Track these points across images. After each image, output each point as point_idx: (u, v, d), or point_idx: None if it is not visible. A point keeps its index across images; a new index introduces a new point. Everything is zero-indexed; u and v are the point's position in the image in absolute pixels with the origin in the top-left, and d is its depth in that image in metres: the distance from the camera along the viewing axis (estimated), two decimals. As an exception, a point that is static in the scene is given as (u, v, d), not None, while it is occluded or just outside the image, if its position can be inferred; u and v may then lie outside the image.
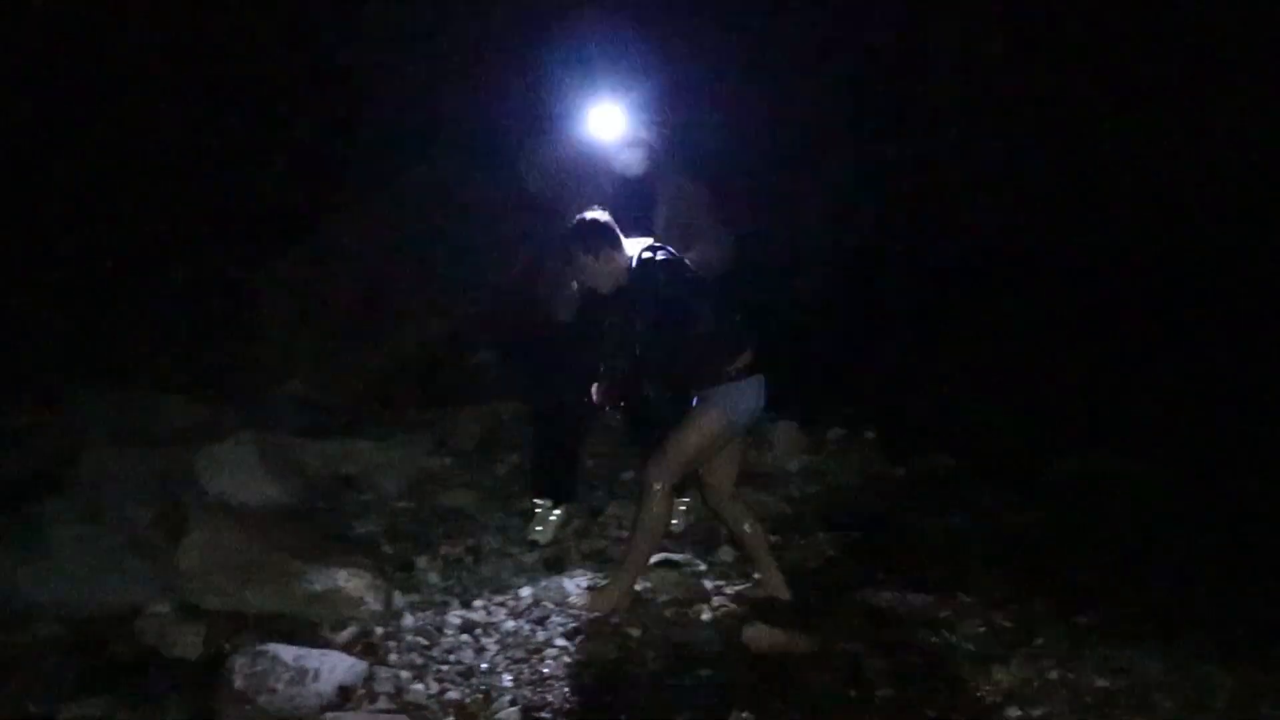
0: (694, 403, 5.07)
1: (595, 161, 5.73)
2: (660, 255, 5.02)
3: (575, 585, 5.43)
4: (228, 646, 4.95)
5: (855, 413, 7.67)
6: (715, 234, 5.73)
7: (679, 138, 5.83)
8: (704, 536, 5.96)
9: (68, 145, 10.06)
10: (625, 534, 5.92)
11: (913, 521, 6.25)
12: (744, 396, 5.04)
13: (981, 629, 5.07)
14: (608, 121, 5.65)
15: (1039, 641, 4.92)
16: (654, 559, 5.47)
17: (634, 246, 5.05)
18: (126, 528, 5.56)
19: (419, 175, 9.93)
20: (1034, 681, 4.58)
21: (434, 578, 5.56)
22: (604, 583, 5.39)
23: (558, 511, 6.02)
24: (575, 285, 5.57)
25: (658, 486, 5.06)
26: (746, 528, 5.32)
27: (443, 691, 4.67)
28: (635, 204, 5.64)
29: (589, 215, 5.05)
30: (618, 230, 5.04)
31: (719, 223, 5.75)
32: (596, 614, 5.16)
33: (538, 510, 6.02)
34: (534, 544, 5.91)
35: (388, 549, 5.79)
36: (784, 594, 5.32)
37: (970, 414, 7.70)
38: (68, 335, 9.25)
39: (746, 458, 5.59)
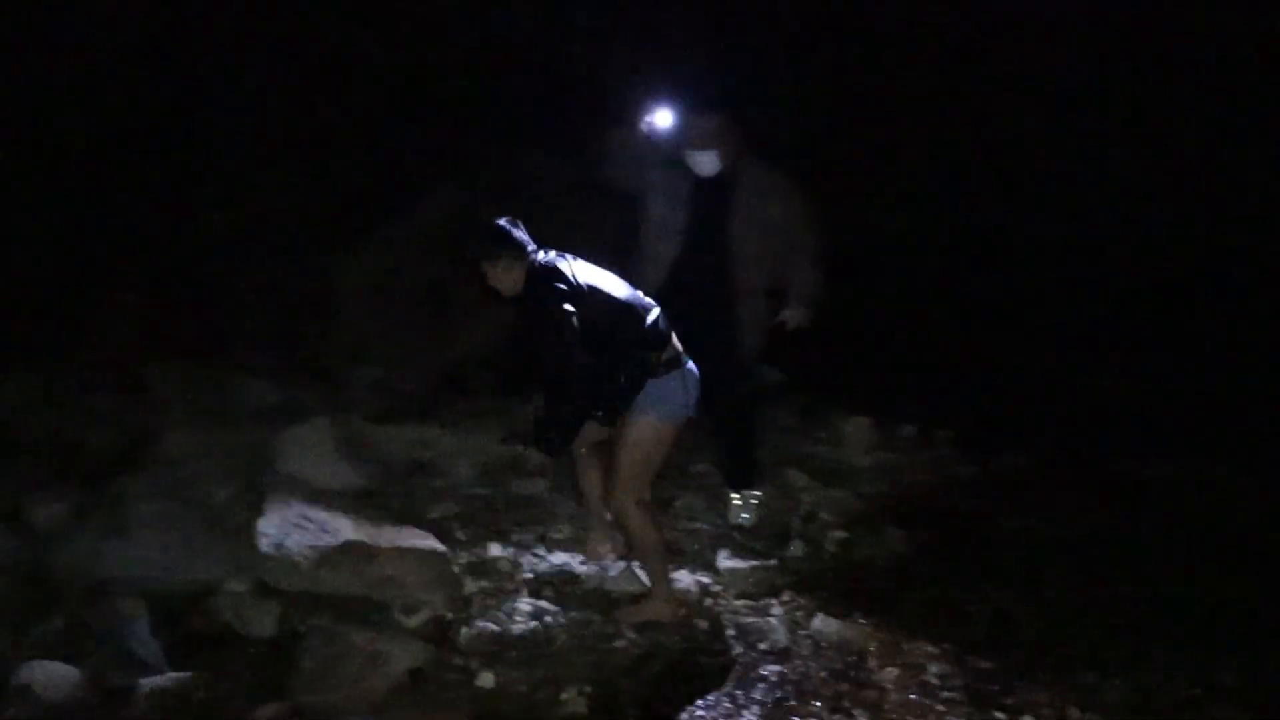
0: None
1: (669, 156, 5.72)
2: (543, 259, 4.89)
3: (645, 575, 5.43)
4: (301, 627, 5.02)
5: (929, 409, 7.60)
6: (806, 241, 5.71)
7: (759, 133, 5.80)
8: (774, 531, 5.94)
9: (152, 130, 10.22)
10: (697, 525, 5.94)
11: (986, 521, 6.19)
12: (672, 391, 4.92)
13: (1050, 631, 5.01)
14: (678, 118, 5.65)
15: (1108, 650, 4.86)
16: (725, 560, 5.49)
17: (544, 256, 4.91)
18: (205, 506, 5.64)
19: (496, 165, 9.98)
20: (1101, 689, 4.53)
21: (505, 565, 5.59)
22: (640, 592, 5.30)
23: (757, 494, 6.06)
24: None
25: (628, 507, 4.99)
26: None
27: (511, 679, 4.70)
28: (712, 200, 5.63)
29: (491, 221, 4.98)
30: (519, 238, 4.93)
31: (809, 229, 5.70)
32: (661, 613, 5.11)
33: (735, 500, 6.04)
34: (738, 528, 5.96)
35: (460, 535, 5.82)
36: (613, 549, 5.46)
37: (1048, 413, 7.60)
38: (151, 317, 9.39)
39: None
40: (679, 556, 5.65)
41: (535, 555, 5.71)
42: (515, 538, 5.87)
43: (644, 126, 5.71)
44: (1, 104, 9.60)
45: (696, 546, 5.76)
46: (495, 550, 5.68)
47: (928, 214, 10.30)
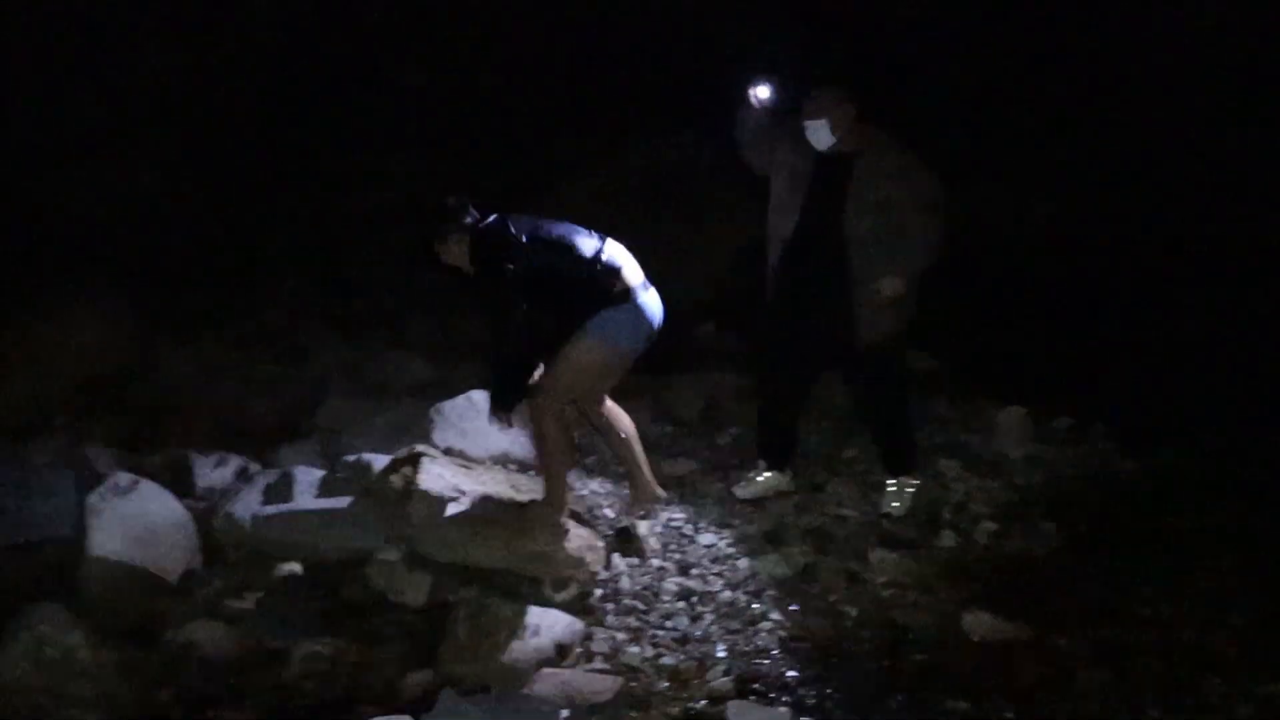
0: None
1: (791, 133, 5.64)
2: (483, 226, 5.11)
3: (793, 561, 5.40)
4: (452, 598, 5.11)
5: (1087, 401, 7.40)
6: (918, 221, 5.50)
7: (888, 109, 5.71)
8: (924, 521, 5.85)
9: (313, 111, 10.46)
10: (846, 512, 5.88)
11: (1144, 518, 6.00)
12: (621, 321, 5.14)
13: (1211, 637, 4.85)
14: (787, 91, 5.61)
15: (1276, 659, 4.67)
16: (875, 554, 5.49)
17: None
18: (361, 476, 5.76)
19: (643, 146, 9.99)
20: (1274, 698, 4.37)
21: (653, 543, 5.61)
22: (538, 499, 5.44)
23: (914, 483, 6.00)
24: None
25: (547, 413, 5.20)
26: (621, 435, 5.53)
27: (658, 656, 4.73)
28: (829, 180, 5.53)
29: (437, 201, 5.21)
30: (461, 212, 5.13)
31: (927, 206, 5.50)
32: (544, 519, 5.27)
33: (890, 487, 5.98)
34: (887, 515, 5.89)
35: (609, 512, 5.85)
36: (658, 495, 5.58)
37: (1213, 407, 7.33)
38: (313, 291, 9.62)
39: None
40: (828, 543, 5.60)
41: (684, 535, 5.72)
42: (664, 516, 5.88)
43: (754, 100, 5.64)
44: (172, 92, 9.92)
45: (845, 534, 5.70)
46: (643, 529, 5.69)
47: (1088, 199, 10.00)
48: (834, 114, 5.46)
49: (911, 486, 5.98)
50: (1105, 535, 5.78)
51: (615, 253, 5.19)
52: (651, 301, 5.24)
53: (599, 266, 5.11)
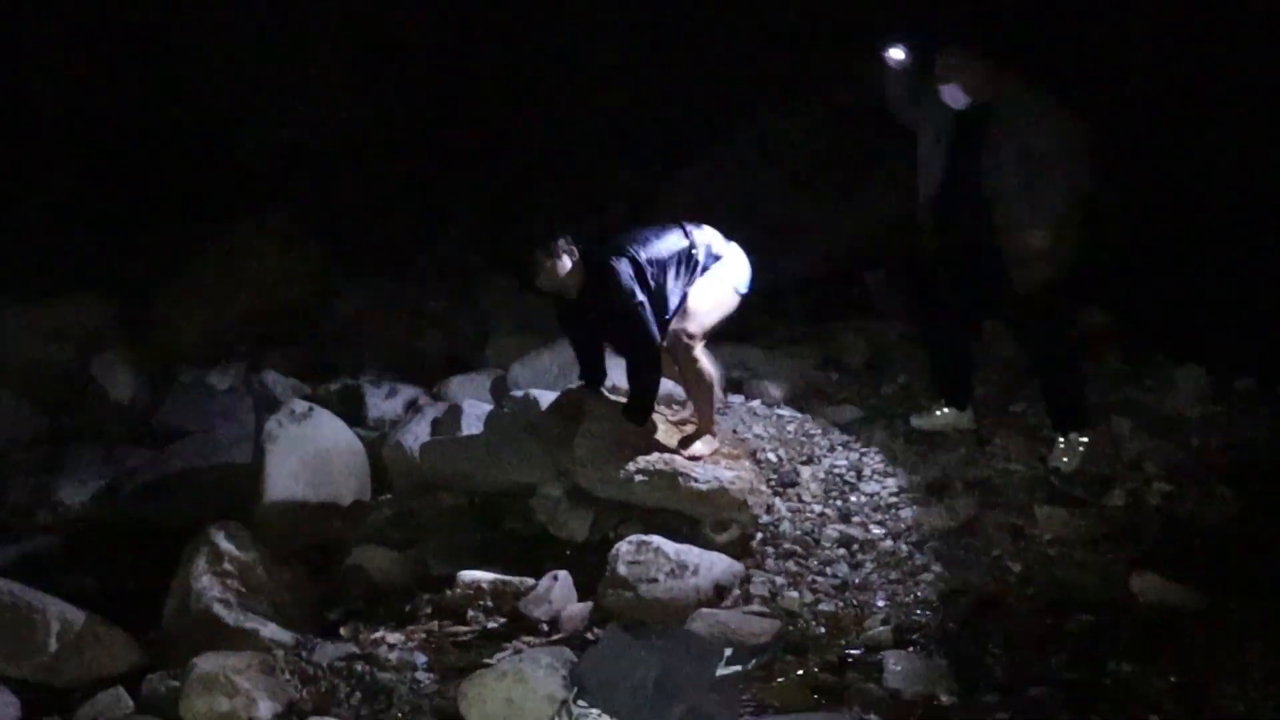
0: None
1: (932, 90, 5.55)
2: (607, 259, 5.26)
3: (956, 512, 5.33)
4: (612, 534, 5.17)
5: (1271, 361, 7.10)
6: (1068, 172, 5.32)
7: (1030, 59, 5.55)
8: (1094, 479, 5.70)
9: (487, 53, 10.55)
10: (1013, 466, 5.77)
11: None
12: (736, 268, 5.59)
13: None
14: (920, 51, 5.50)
15: None
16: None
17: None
18: (528, 412, 5.84)
19: (817, 87, 9.83)
20: None
21: (815, 489, 5.59)
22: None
23: (1084, 439, 5.83)
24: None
25: (698, 345, 5.39)
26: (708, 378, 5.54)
27: (816, 602, 4.72)
28: (968, 134, 5.42)
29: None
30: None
31: (1069, 150, 5.32)
32: (708, 447, 5.44)
33: (1060, 443, 5.83)
34: (1056, 471, 5.74)
35: (772, 456, 5.84)
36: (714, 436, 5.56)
37: None
38: (485, 231, 9.76)
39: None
40: (993, 497, 5.51)
41: (846, 482, 5.68)
42: (827, 463, 5.84)
43: (890, 63, 5.54)
44: (355, 29, 10.10)
45: (1011, 488, 5.59)
46: (806, 475, 5.67)
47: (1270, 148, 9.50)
48: (963, 75, 5.37)
49: (1082, 444, 5.82)
50: (1285, 503, 5.57)
51: (702, 240, 5.53)
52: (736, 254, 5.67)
53: (694, 260, 5.47)
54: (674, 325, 5.38)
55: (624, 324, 5.25)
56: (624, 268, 5.20)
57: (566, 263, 5.22)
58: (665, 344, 5.38)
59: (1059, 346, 5.79)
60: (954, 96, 5.42)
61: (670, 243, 5.41)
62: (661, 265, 5.34)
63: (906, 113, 5.73)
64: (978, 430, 6.10)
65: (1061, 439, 5.79)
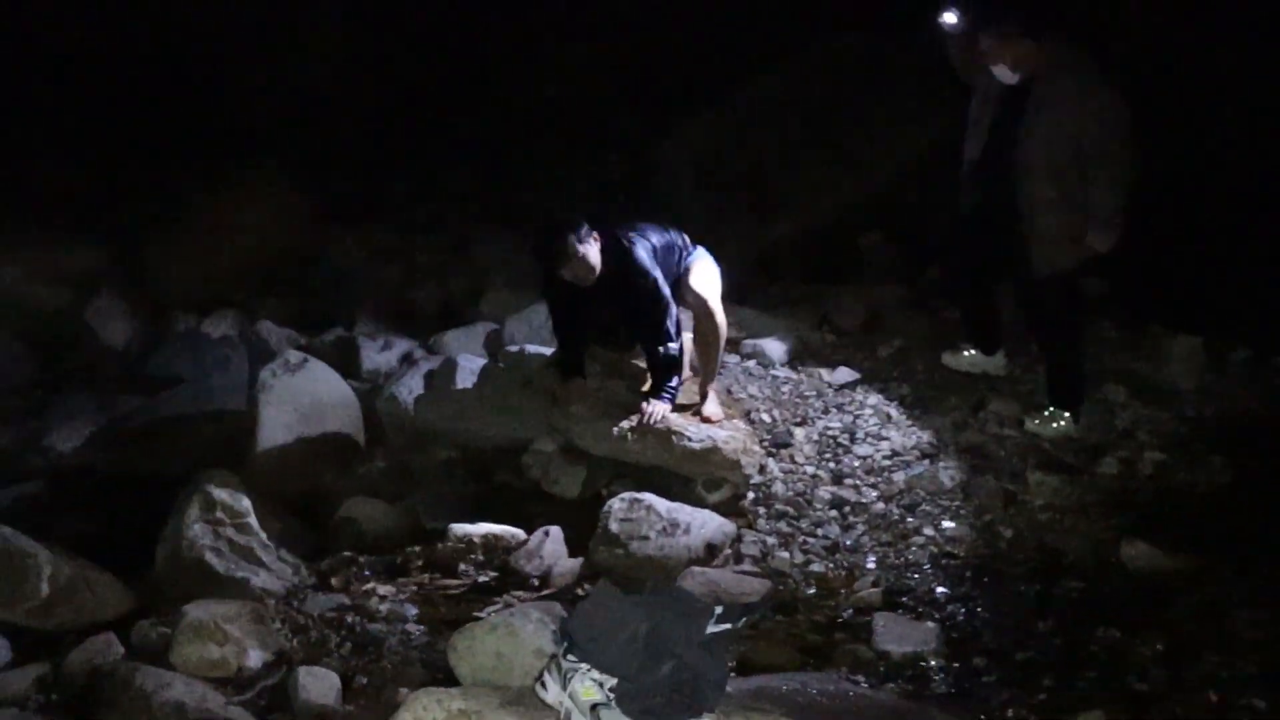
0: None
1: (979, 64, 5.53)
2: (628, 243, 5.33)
3: (949, 476, 5.34)
4: (605, 491, 5.18)
5: (1268, 333, 7.10)
6: (1105, 156, 5.30)
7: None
8: (1088, 446, 5.71)
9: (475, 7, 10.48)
10: (1007, 432, 5.77)
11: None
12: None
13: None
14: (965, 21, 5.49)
15: None
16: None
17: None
18: (522, 367, 5.83)
19: (813, 48, 9.74)
20: None
21: (809, 450, 5.60)
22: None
23: (1067, 415, 5.83)
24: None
25: (715, 312, 5.49)
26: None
27: (807, 562, 4.75)
28: (1009, 107, 5.42)
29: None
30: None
31: (1112, 143, 5.28)
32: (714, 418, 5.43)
33: (1045, 413, 5.85)
34: (1034, 435, 5.79)
35: (766, 417, 5.85)
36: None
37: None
38: (479, 184, 9.72)
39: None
40: (986, 462, 5.52)
41: (839, 444, 5.70)
42: (820, 424, 5.86)
43: (945, 27, 5.52)
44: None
45: (1004, 454, 5.60)
46: (800, 436, 5.69)
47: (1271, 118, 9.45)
48: (1007, 55, 5.33)
49: (1064, 419, 5.84)
50: (1276, 473, 5.57)
51: (679, 234, 5.71)
52: None
53: (684, 250, 5.66)
54: (696, 288, 5.50)
55: (648, 304, 5.26)
56: (645, 251, 5.27)
57: (595, 249, 5.16)
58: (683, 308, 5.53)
59: (1065, 328, 5.82)
60: (1003, 75, 5.40)
61: (663, 234, 5.53)
62: (665, 251, 5.44)
63: (969, 73, 5.70)
64: (1009, 375, 6.26)
65: (1048, 410, 5.82)
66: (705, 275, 5.59)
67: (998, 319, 6.23)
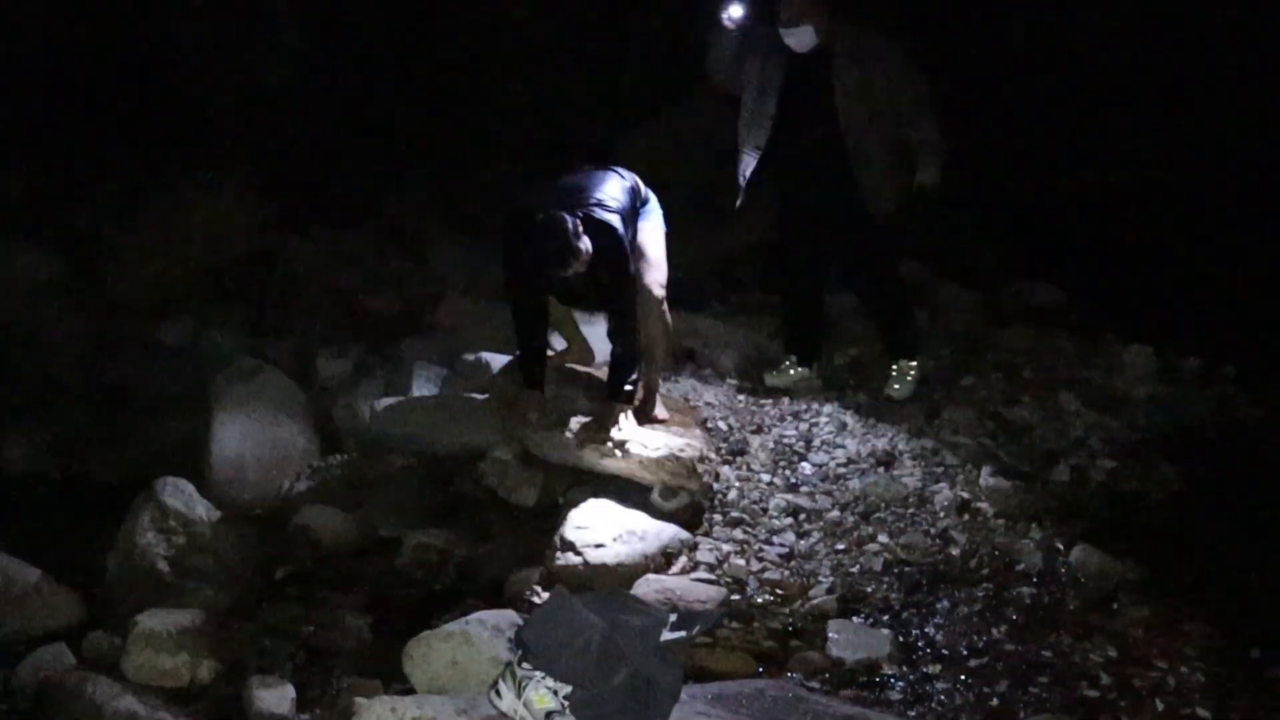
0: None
1: (758, 43, 5.83)
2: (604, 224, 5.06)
3: (903, 484, 5.37)
4: (562, 499, 5.18)
5: (1216, 343, 7.18)
6: (916, 98, 5.77)
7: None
8: (1040, 453, 5.76)
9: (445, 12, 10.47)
10: (960, 439, 5.82)
11: (1267, 466, 5.83)
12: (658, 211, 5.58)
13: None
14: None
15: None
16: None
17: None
18: (479, 375, 5.83)
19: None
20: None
21: (764, 458, 5.62)
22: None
23: (914, 365, 6.28)
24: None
25: (658, 306, 5.42)
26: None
27: (762, 570, 4.76)
28: (810, 76, 5.72)
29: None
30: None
31: (916, 84, 5.77)
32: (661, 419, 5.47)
33: (893, 370, 6.28)
34: (889, 399, 6.19)
35: (723, 425, 5.87)
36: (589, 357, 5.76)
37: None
38: (439, 191, 9.68)
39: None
40: (940, 469, 5.56)
41: (795, 452, 5.72)
42: (776, 432, 5.88)
43: (727, 22, 5.66)
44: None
45: (958, 461, 5.64)
46: (755, 444, 5.71)
47: (1224, 133, 9.57)
48: (815, 17, 5.64)
49: (912, 370, 6.25)
50: (1226, 482, 5.64)
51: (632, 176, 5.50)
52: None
53: (643, 198, 5.48)
54: (643, 279, 5.35)
55: (616, 293, 5.19)
56: (621, 229, 5.09)
57: (587, 243, 4.93)
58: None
59: (896, 278, 6.33)
60: (803, 40, 5.68)
61: (619, 185, 5.30)
62: (632, 214, 5.29)
63: (728, 74, 5.98)
64: (821, 384, 6.47)
65: (894, 366, 6.26)
66: (653, 247, 5.43)
67: (821, 328, 6.59)
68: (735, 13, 5.67)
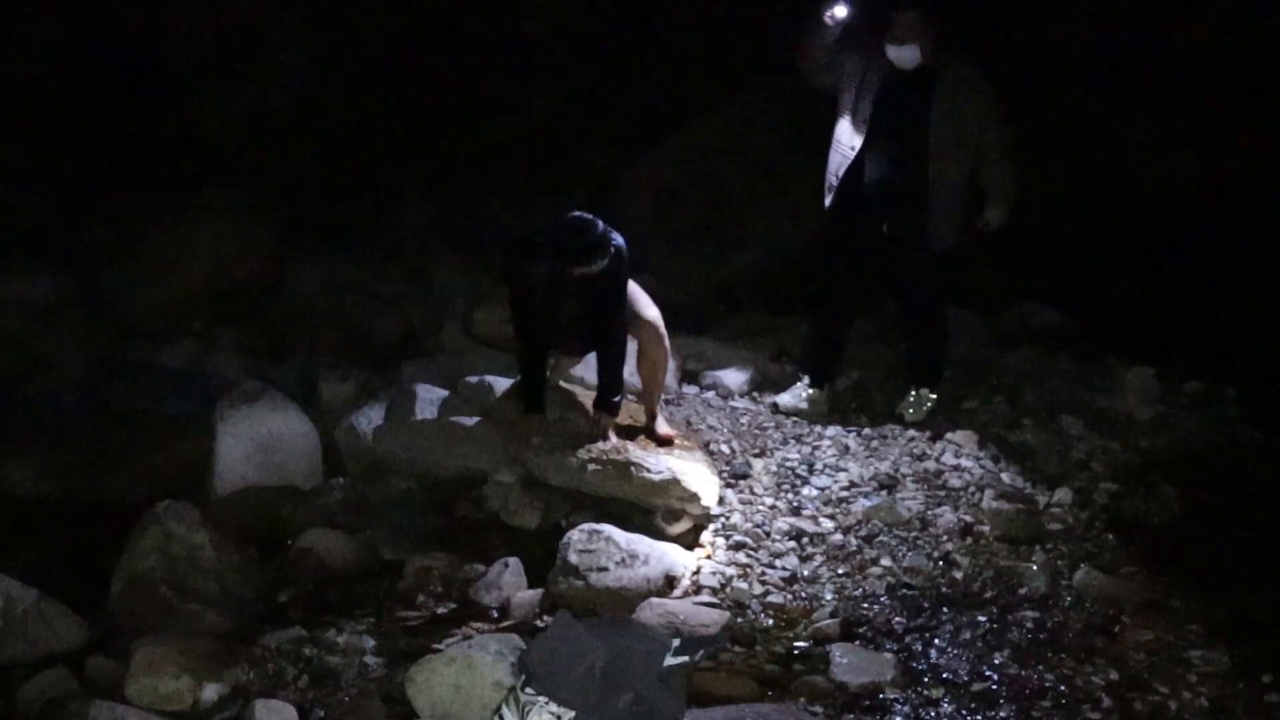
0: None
1: (864, 47, 5.82)
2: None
3: (906, 507, 5.37)
4: (564, 522, 5.17)
5: (1219, 366, 7.19)
6: (1003, 140, 5.84)
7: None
8: (1042, 476, 5.77)
9: (443, 37, 10.48)
10: (962, 462, 5.82)
11: (1270, 490, 5.83)
12: None
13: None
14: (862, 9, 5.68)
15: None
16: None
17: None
18: (482, 398, 5.83)
19: (763, 83, 9.82)
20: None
21: (767, 481, 5.62)
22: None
23: (934, 397, 6.33)
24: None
25: (661, 335, 5.48)
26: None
27: (765, 593, 4.76)
28: (911, 93, 5.72)
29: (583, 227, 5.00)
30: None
31: (1004, 126, 5.84)
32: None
33: (911, 395, 6.33)
34: (900, 418, 6.26)
35: (725, 448, 5.87)
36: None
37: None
38: (442, 215, 9.71)
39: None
40: (943, 493, 5.57)
41: (798, 475, 5.72)
42: (779, 456, 5.88)
43: (829, 20, 5.66)
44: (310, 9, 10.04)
45: (961, 484, 5.64)
46: (758, 467, 5.71)
47: (1235, 150, 9.57)
48: (923, 39, 5.63)
49: (930, 400, 6.30)
50: (1229, 505, 5.64)
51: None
52: None
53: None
54: (645, 314, 5.44)
55: (615, 307, 5.29)
56: (626, 257, 5.18)
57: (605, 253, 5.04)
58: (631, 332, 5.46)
59: (938, 312, 6.32)
60: (906, 57, 5.67)
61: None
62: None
63: (825, 75, 5.93)
64: (827, 407, 6.41)
65: (914, 393, 6.29)
66: (643, 296, 5.52)
67: (843, 347, 6.54)
68: (840, 13, 5.64)
